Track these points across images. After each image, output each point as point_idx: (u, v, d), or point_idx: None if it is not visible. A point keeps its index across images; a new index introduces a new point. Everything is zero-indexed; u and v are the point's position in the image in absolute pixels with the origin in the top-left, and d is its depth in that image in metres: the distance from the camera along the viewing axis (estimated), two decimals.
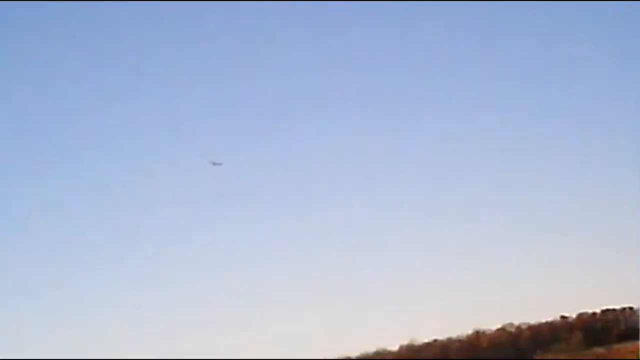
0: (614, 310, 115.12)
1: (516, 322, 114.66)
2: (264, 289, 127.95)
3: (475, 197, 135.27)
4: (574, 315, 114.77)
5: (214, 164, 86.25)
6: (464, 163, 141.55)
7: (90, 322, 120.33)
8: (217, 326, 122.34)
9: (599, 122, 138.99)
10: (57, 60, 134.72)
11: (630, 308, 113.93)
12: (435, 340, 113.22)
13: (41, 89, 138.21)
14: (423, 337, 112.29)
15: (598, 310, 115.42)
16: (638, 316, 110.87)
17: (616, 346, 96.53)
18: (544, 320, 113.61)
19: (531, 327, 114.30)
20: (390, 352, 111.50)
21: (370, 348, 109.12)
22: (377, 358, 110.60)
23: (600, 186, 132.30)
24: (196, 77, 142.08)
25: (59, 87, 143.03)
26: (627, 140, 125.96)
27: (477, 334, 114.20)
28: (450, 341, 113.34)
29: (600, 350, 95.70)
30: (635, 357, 77.63)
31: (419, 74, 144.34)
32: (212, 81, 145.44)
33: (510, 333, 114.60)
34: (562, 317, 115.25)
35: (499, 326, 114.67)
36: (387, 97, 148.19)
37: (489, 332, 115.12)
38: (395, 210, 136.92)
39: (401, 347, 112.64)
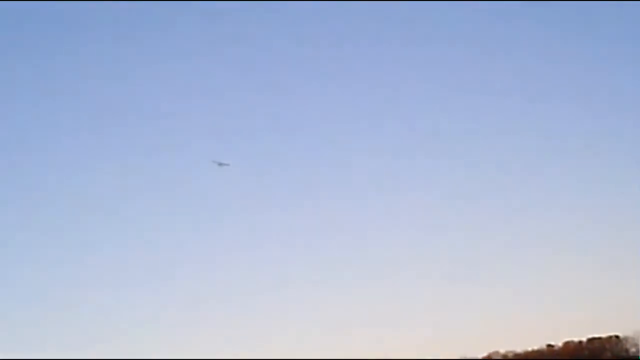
0: (599, 338, 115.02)
1: (502, 350, 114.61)
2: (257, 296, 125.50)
3: (463, 226, 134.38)
4: (560, 344, 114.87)
5: (220, 164, 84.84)
6: (456, 183, 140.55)
7: (90, 323, 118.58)
8: (216, 327, 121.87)
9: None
10: (56, 58, 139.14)
11: (617, 337, 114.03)
12: None
13: (40, 87, 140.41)
14: None
15: (584, 339, 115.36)
16: (623, 345, 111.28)
17: None
18: (530, 349, 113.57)
19: (517, 355, 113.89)
20: None
21: None
22: None
23: (589, 211, 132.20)
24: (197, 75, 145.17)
25: (58, 86, 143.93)
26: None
27: None
28: None
29: None
30: None
31: (421, 74, 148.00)
32: (213, 80, 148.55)
33: None
34: (549, 345, 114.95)
35: (485, 354, 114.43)
36: (392, 96, 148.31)
37: None
38: (379, 234, 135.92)
39: None
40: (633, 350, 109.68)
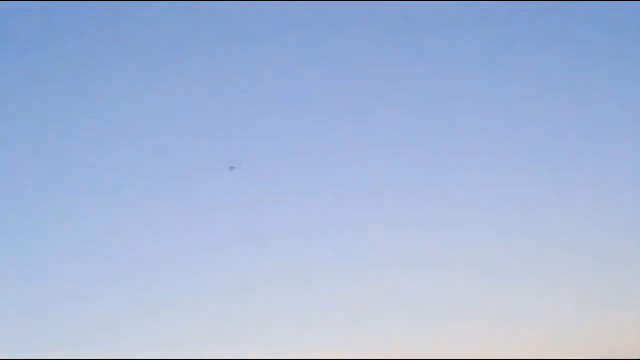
0: None
1: None
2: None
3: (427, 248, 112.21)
4: None
5: (231, 168, 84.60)
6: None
7: (89, 322, 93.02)
8: (215, 327, 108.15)
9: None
10: (59, 59, 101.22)
11: None
12: None
13: (44, 88, 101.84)
14: None
15: None
16: None
17: None
18: None
19: None
20: None
21: None
22: None
23: (560, 235, 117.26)
24: (202, 76, 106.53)
25: (62, 87, 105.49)
26: None
27: None
28: None
29: None
30: None
31: (425, 79, 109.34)
32: (220, 82, 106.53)
33: None
34: None
35: None
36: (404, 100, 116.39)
37: None
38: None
39: None
40: None
